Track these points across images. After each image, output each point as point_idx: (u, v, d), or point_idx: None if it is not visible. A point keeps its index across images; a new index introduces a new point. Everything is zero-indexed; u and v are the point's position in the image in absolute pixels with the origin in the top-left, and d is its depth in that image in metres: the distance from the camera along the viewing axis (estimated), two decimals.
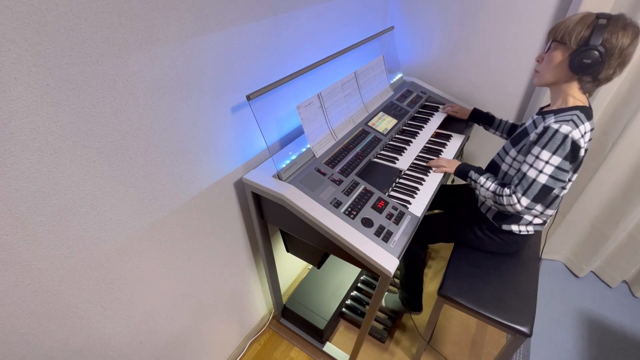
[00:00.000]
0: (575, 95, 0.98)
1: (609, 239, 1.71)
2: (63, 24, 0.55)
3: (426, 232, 1.31)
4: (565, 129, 0.89)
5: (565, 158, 0.91)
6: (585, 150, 0.97)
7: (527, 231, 1.15)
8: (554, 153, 0.91)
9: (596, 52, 0.87)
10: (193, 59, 0.79)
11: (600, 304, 1.77)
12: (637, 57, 1.28)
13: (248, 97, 0.91)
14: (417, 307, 1.52)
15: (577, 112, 0.94)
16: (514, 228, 1.15)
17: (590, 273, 1.92)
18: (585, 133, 0.92)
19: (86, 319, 0.77)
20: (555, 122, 0.91)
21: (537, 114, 1.08)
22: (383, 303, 1.66)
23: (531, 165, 0.95)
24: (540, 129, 0.95)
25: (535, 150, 0.94)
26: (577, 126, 0.90)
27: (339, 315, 1.59)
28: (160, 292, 0.95)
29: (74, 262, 0.70)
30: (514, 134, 1.13)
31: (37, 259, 0.64)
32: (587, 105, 0.98)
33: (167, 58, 0.73)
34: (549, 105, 1.08)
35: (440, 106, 1.62)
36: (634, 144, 1.45)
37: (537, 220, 1.13)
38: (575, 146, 0.90)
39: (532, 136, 0.98)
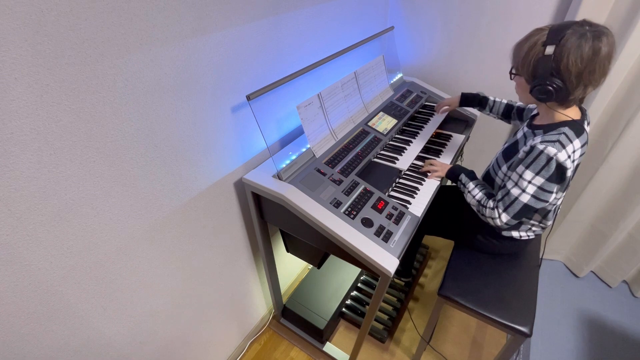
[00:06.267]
0: (561, 110, 0.92)
1: (609, 239, 1.71)
2: (63, 24, 0.55)
3: (428, 223, 1.31)
4: (550, 150, 0.85)
5: (549, 179, 0.88)
6: (577, 165, 0.94)
7: (528, 236, 1.14)
8: (537, 174, 0.88)
9: (548, 87, 0.82)
10: (193, 59, 0.79)
11: (600, 304, 1.77)
12: (637, 57, 1.28)
13: (248, 97, 0.91)
14: (407, 275, 1.65)
15: (566, 129, 0.88)
16: (515, 234, 1.14)
17: (590, 273, 1.92)
18: (574, 151, 0.88)
19: (86, 319, 0.77)
20: (542, 142, 0.87)
21: (527, 126, 1.03)
22: None
23: (515, 183, 0.93)
24: (527, 147, 0.91)
25: (520, 169, 0.92)
26: (564, 147, 0.85)
27: (339, 315, 1.59)
28: (160, 292, 0.95)
29: (74, 262, 0.70)
30: (506, 146, 1.09)
31: (37, 259, 0.64)
32: (577, 117, 0.92)
33: (167, 58, 0.73)
34: (538, 114, 1.04)
35: None
36: (634, 144, 1.45)
37: (537, 228, 1.12)
38: (561, 168, 0.86)
39: (521, 154, 0.93)
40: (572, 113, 0.92)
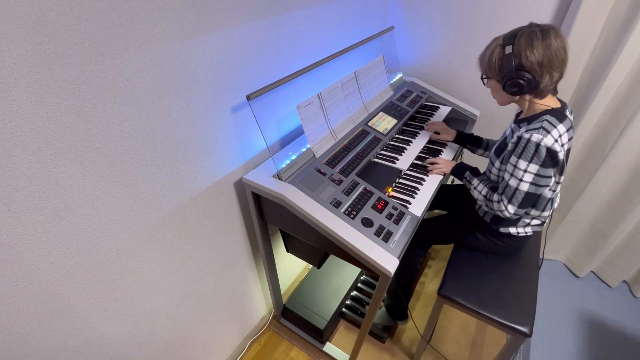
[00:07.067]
0: (539, 101, 0.97)
1: (609, 239, 1.71)
2: (63, 24, 0.55)
3: (426, 234, 1.31)
4: (536, 137, 0.89)
5: (543, 165, 0.91)
6: (568, 150, 0.98)
7: (526, 232, 1.15)
8: (530, 161, 0.92)
9: (518, 80, 0.90)
10: (193, 59, 0.79)
11: (600, 304, 1.77)
12: (637, 57, 1.28)
13: (248, 97, 0.91)
14: (402, 316, 1.50)
15: (547, 116, 0.93)
16: (512, 230, 1.15)
17: (590, 273, 1.92)
18: (560, 136, 0.91)
19: (86, 319, 0.77)
20: (527, 131, 0.92)
21: (514, 122, 1.09)
22: None
23: (512, 174, 0.96)
24: (515, 138, 0.96)
25: (513, 159, 0.95)
26: (548, 132, 0.90)
27: (339, 315, 1.59)
28: (160, 292, 0.95)
29: (74, 262, 0.70)
30: (496, 145, 1.13)
31: (37, 259, 0.64)
32: (557, 106, 0.98)
33: (167, 58, 0.73)
34: (522, 111, 1.08)
35: (441, 106, 1.62)
36: (634, 144, 1.45)
37: (535, 222, 1.13)
38: (551, 152, 0.90)
39: (510, 146, 0.99)
40: (551, 102, 0.98)
